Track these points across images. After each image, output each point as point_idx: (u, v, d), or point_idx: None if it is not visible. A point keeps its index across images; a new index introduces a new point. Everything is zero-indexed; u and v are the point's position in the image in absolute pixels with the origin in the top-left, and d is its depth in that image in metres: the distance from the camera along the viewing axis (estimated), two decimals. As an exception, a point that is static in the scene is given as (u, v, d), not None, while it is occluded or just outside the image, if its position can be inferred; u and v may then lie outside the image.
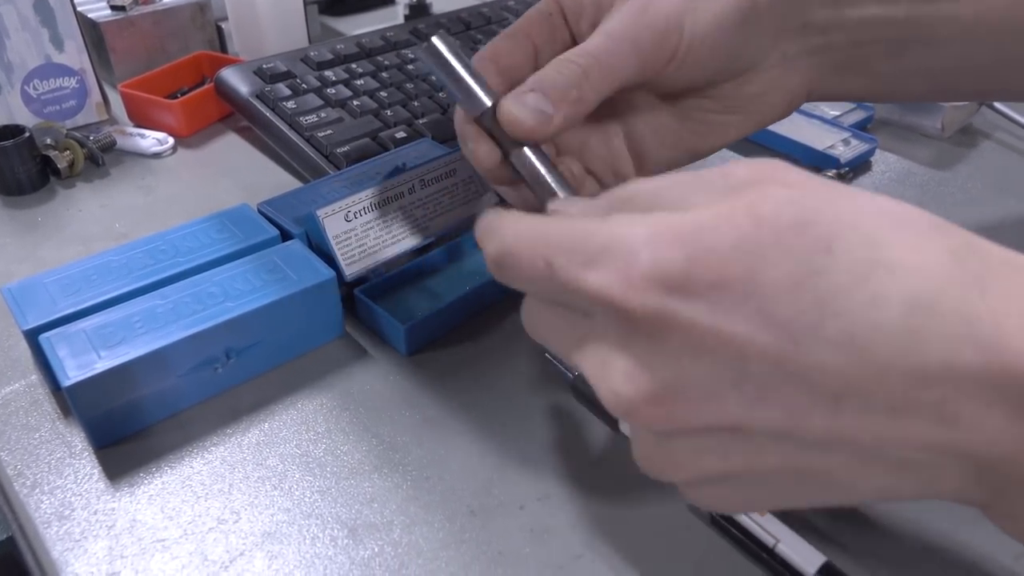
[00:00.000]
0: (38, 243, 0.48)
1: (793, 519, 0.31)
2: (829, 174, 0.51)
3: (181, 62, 0.65)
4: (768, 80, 0.36)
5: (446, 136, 0.54)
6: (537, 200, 0.32)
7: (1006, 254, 0.22)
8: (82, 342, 0.34)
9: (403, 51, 0.63)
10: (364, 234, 0.41)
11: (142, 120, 0.61)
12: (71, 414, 0.36)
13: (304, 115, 0.54)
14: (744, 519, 0.30)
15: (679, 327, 0.21)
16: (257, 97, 0.56)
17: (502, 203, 0.34)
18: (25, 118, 0.57)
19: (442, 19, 0.68)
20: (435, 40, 0.32)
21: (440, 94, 0.58)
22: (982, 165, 0.57)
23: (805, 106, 0.48)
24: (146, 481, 0.33)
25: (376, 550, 0.31)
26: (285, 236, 0.42)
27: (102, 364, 0.33)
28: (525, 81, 0.33)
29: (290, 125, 0.54)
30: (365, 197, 0.41)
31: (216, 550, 0.31)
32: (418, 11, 0.81)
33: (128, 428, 0.35)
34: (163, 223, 0.49)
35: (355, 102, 0.56)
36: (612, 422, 0.35)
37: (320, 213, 0.40)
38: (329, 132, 0.53)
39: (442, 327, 0.41)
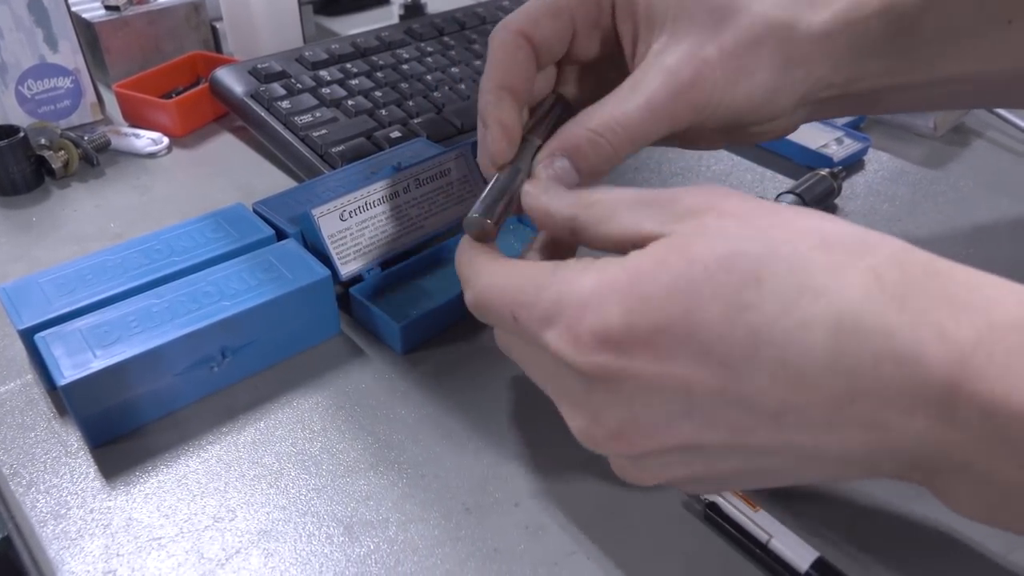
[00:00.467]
0: (33, 243, 0.48)
1: (787, 514, 0.31)
2: (823, 173, 0.51)
3: (176, 62, 0.65)
4: (782, 123, 0.37)
5: (441, 136, 0.54)
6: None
7: (930, 262, 0.24)
8: (77, 341, 0.34)
9: (398, 51, 0.63)
10: (359, 233, 0.41)
11: (137, 120, 0.61)
12: (67, 413, 0.36)
13: (299, 115, 0.54)
14: (738, 515, 0.31)
15: (627, 377, 0.24)
16: (252, 97, 0.56)
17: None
18: (19, 118, 0.57)
19: (436, 19, 0.68)
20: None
21: (435, 94, 0.58)
22: (974, 164, 0.57)
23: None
24: (142, 480, 0.33)
25: (372, 547, 0.31)
26: (280, 235, 0.42)
27: (98, 363, 0.33)
28: (557, 138, 0.33)
29: (285, 125, 0.54)
30: (360, 196, 0.42)
31: (212, 548, 0.31)
32: (413, 11, 0.81)
33: (124, 427, 0.35)
34: (158, 223, 0.49)
35: (350, 102, 0.56)
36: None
37: (315, 212, 0.40)
38: (324, 132, 0.53)
39: (437, 326, 0.41)
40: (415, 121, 0.55)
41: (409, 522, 0.32)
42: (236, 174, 0.56)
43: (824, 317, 0.22)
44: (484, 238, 0.32)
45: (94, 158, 0.55)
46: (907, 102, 0.39)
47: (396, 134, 0.53)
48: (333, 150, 0.51)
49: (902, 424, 0.22)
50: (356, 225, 0.41)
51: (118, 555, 0.30)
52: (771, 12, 0.33)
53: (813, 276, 0.23)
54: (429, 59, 0.62)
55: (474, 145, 0.44)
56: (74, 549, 0.31)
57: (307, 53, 0.60)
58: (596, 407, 0.26)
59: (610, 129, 0.32)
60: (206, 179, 0.55)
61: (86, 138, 0.56)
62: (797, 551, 0.29)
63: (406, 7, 0.81)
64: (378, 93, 0.57)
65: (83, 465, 0.34)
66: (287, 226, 0.42)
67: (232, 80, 0.58)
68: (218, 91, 0.59)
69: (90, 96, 0.60)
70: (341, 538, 0.31)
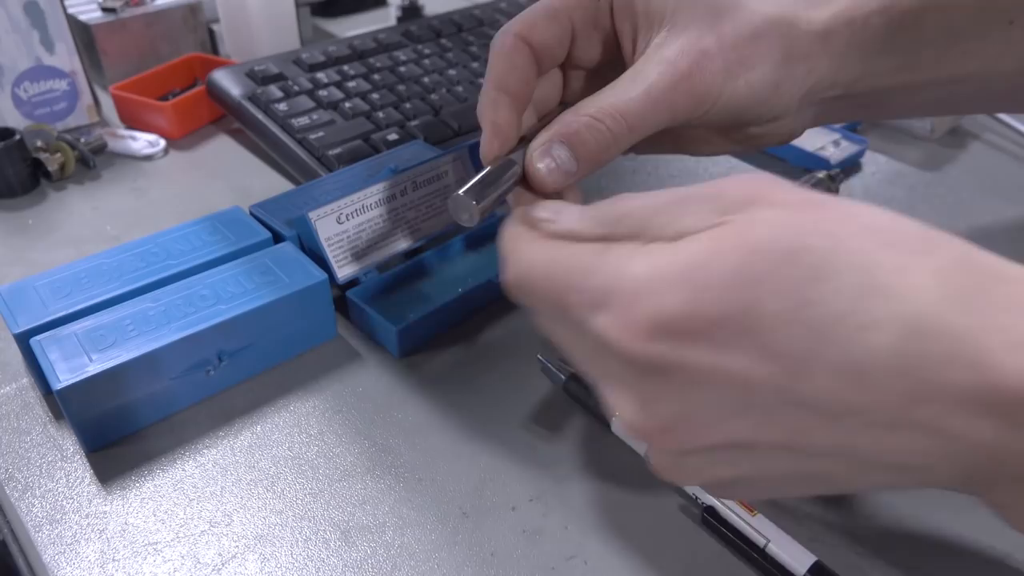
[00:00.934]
0: (28, 246, 0.48)
1: (784, 519, 0.31)
2: (820, 175, 0.51)
3: (172, 64, 0.65)
4: (786, 124, 0.36)
5: (438, 138, 0.54)
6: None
7: (996, 265, 0.23)
8: (73, 345, 0.34)
9: (395, 53, 0.63)
10: (356, 236, 0.41)
11: (133, 122, 0.61)
12: (62, 417, 0.36)
13: (296, 117, 0.54)
14: (735, 519, 0.31)
15: (682, 369, 0.23)
16: (249, 99, 0.56)
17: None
18: (15, 120, 0.57)
19: (434, 21, 0.68)
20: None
21: (432, 96, 0.58)
22: (971, 166, 0.57)
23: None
24: (138, 484, 0.33)
25: (368, 552, 0.31)
26: (277, 238, 0.42)
27: (93, 367, 0.33)
28: (555, 125, 0.32)
29: (282, 127, 0.54)
30: (357, 199, 0.41)
31: (208, 553, 0.31)
32: (410, 13, 0.81)
33: (120, 431, 0.35)
34: (155, 225, 0.49)
35: (347, 104, 0.56)
36: (604, 422, 0.35)
37: (312, 215, 0.40)
38: (321, 134, 0.53)
39: (434, 329, 0.41)
40: (412, 123, 0.55)
41: (406, 526, 0.32)
42: (233, 176, 0.56)
43: (890, 318, 0.21)
44: (468, 221, 0.31)
45: (90, 160, 0.55)
46: (911, 105, 0.38)
47: (393, 136, 0.53)
48: (330, 152, 0.51)
49: (967, 430, 0.21)
50: (353, 228, 0.41)
51: (114, 560, 0.30)
52: (771, 9, 0.33)
53: (878, 275, 0.22)
54: (427, 61, 0.62)
55: (471, 147, 0.44)
56: (70, 554, 0.31)
57: (304, 55, 0.60)
58: (646, 397, 0.24)
59: (609, 116, 0.32)
60: (203, 182, 0.55)
61: (82, 140, 0.56)
62: (794, 555, 0.29)
63: (403, 9, 0.81)
64: (375, 95, 0.57)
65: (79, 469, 0.34)
66: (284, 229, 0.42)
67: (229, 82, 0.58)
68: (215, 93, 0.59)
69: (86, 98, 0.60)
70: (337, 543, 0.31)
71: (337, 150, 0.52)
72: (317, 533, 0.31)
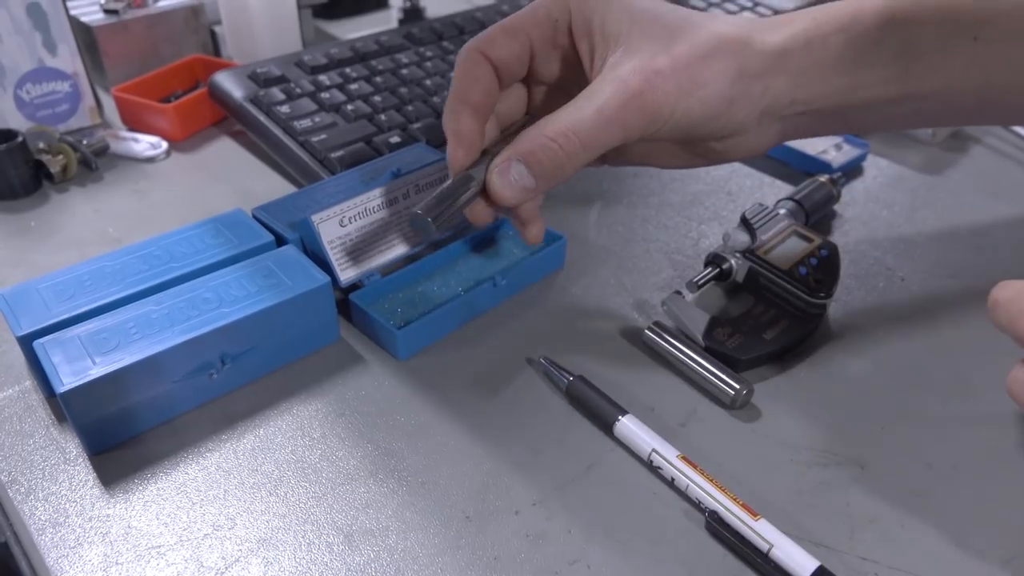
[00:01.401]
0: (31, 248, 0.48)
1: (787, 524, 0.31)
2: (822, 179, 0.51)
3: (175, 66, 0.65)
4: (747, 139, 0.37)
5: (440, 141, 0.54)
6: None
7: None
8: (76, 348, 0.34)
9: (397, 55, 0.63)
10: (359, 239, 0.41)
11: (135, 124, 0.61)
12: (65, 420, 0.36)
13: (298, 119, 0.54)
14: (739, 524, 0.31)
15: None
16: (251, 101, 0.56)
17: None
18: (18, 122, 0.57)
19: (435, 23, 0.68)
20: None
21: (434, 99, 0.58)
22: (973, 170, 0.58)
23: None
24: (141, 487, 0.33)
25: (372, 556, 0.31)
26: (280, 241, 0.42)
27: (97, 370, 0.33)
28: (514, 144, 0.34)
29: (284, 130, 0.54)
30: (360, 202, 0.41)
31: (211, 556, 0.31)
32: (412, 15, 0.81)
33: (123, 434, 0.35)
34: (157, 228, 0.49)
35: (349, 106, 0.56)
36: (606, 427, 0.35)
37: (315, 218, 0.40)
38: (323, 137, 0.53)
39: (437, 332, 0.41)
40: (414, 126, 0.55)
41: (409, 530, 0.32)
42: (235, 179, 0.56)
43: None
44: (428, 235, 0.34)
45: (93, 162, 0.55)
46: (875, 121, 0.39)
47: (395, 139, 0.53)
48: (332, 155, 0.51)
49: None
50: (356, 231, 0.41)
51: (117, 563, 0.30)
52: (726, 29, 0.34)
53: None
54: (428, 64, 0.62)
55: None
56: (73, 557, 0.30)
57: (306, 57, 0.60)
58: None
59: (563, 135, 0.33)
60: (205, 184, 0.55)
61: (85, 142, 0.56)
62: (798, 560, 0.29)
63: (405, 11, 0.81)
64: (377, 98, 0.57)
65: (82, 472, 0.34)
66: (287, 232, 0.42)
67: (231, 84, 0.58)
68: (217, 95, 0.59)
69: (89, 100, 0.60)
70: (341, 546, 0.31)
71: (339, 153, 0.52)
72: (320, 537, 0.31)
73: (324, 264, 0.40)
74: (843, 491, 0.33)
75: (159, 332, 0.35)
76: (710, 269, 0.43)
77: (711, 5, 0.75)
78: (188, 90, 0.65)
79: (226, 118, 0.62)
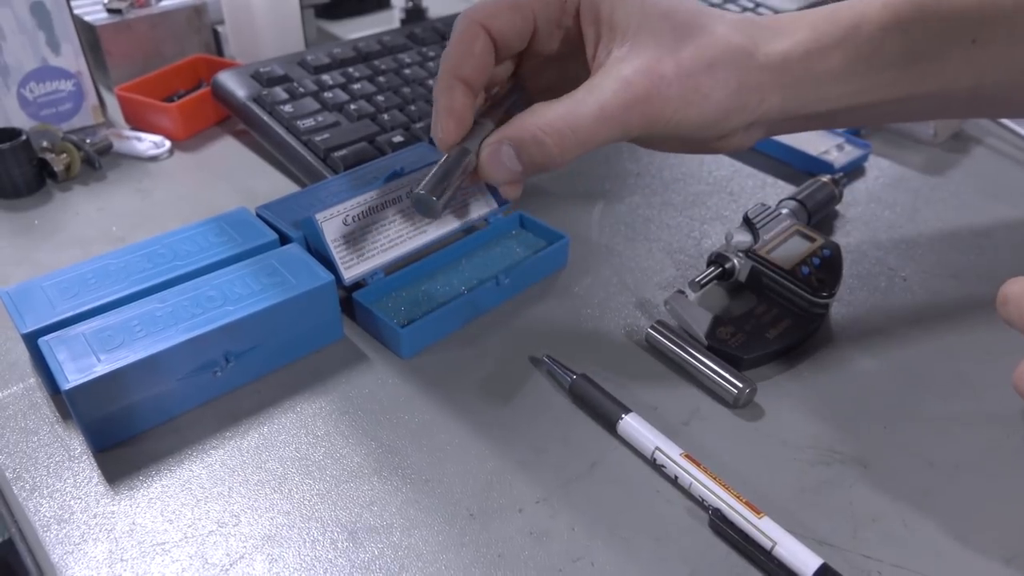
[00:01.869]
0: (35, 246, 0.48)
1: (790, 522, 0.31)
2: (824, 179, 0.51)
3: (177, 65, 0.65)
4: (735, 140, 0.37)
5: (443, 140, 0.54)
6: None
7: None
8: (81, 346, 0.34)
9: (400, 55, 0.63)
10: (362, 238, 0.42)
11: (139, 123, 0.61)
12: (70, 417, 0.36)
13: (301, 119, 0.54)
14: (742, 522, 0.31)
15: None
16: (254, 101, 0.56)
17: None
18: (21, 121, 0.57)
19: (438, 23, 0.68)
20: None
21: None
22: (974, 171, 0.58)
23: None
24: (146, 484, 0.33)
25: (376, 553, 0.31)
26: (283, 240, 0.42)
27: (101, 368, 0.33)
28: (507, 127, 0.34)
29: (287, 129, 0.54)
30: (363, 201, 0.42)
31: (216, 553, 0.31)
32: (414, 15, 0.81)
33: (127, 432, 0.35)
34: (160, 226, 0.49)
35: (352, 106, 0.56)
36: (610, 425, 0.35)
37: (319, 217, 0.40)
38: (326, 136, 0.53)
39: (440, 331, 0.41)
40: (417, 126, 0.55)
41: (413, 528, 0.32)
42: (238, 178, 0.56)
43: None
44: (432, 215, 0.34)
45: (96, 161, 0.55)
46: (864, 119, 0.39)
47: (398, 139, 0.53)
48: (335, 154, 0.51)
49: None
50: (359, 230, 0.41)
51: (122, 560, 0.30)
52: (732, 36, 0.34)
53: None
54: (431, 63, 0.62)
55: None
56: (78, 554, 0.31)
57: (309, 57, 0.61)
58: None
59: (557, 131, 0.33)
60: (208, 183, 0.55)
61: (88, 141, 0.56)
62: (801, 558, 0.29)
63: (407, 11, 0.81)
64: (380, 97, 0.57)
65: (86, 469, 0.34)
66: (290, 230, 0.42)
67: (234, 84, 0.58)
68: (220, 95, 0.59)
69: (92, 99, 0.60)
70: (345, 544, 0.31)
71: (342, 152, 0.52)
72: (325, 534, 0.31)
73: (328, 262, 0.40)
74: (846, 489, 0.33)
75: (163, 330, 0.35)
76: (713, 268, 0.43)
77: (712, 6, 0.75)
78: (191, 89, 0.65)
79: (229, 117, 0.62)
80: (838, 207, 0.52)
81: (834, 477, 0.34)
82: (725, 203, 0.53)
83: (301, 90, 0.57)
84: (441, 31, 0.67)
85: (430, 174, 0.34)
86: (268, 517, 0.32)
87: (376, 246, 0.42)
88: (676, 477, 0.33)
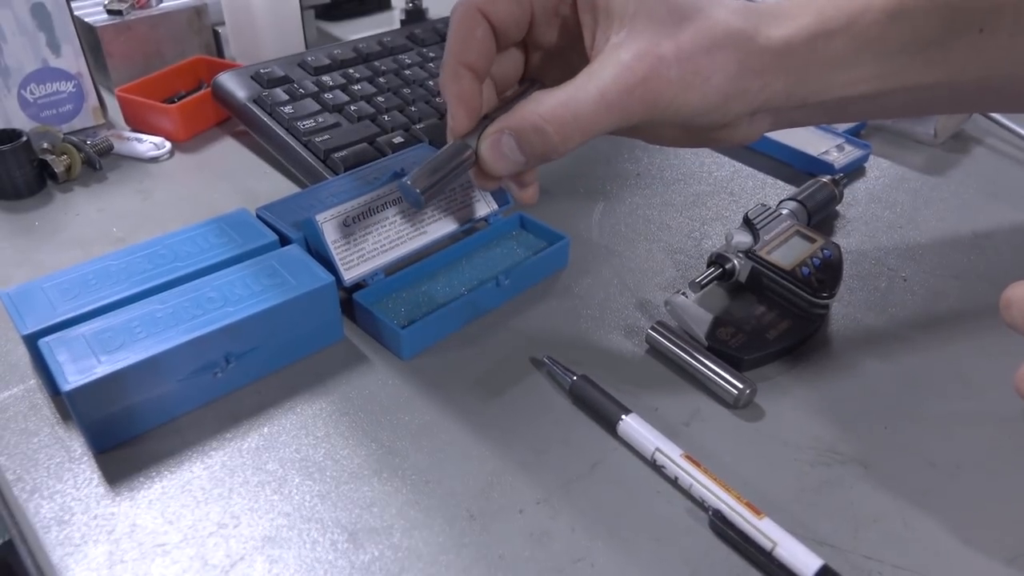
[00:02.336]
0: (35, 247, 0.48)
1: (791, 523, 0.31)
2: (824, 179, 0.51)
3: (178, 67, 0.65)
4: (740, 130, 0.37)
5: (443, 141, 0.54)
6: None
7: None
8: (82, 347, 0.34)
9: (400, 56, 0.63)
10: (362, 239, 0.42)
11: (139, 124, 0.61)
12: (70, 419, 0.36)
13: (301, 120, 0.54)
14: (742, 523, 0.31)
15: None
16: (254, 102, 0.56)
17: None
18: (22, 122, 0.57)
19: (438, 24, 0.68)
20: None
21: (437, 99, 0.58)
22: (974, 171, 0.58)
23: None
24: (146, 486, 0.33)
25: (376, 554, 0.31)
26: (284, 241, 0.42)
27: (102, 369, 0.33)
28: (508, 116, 0.33)
29: (287, 130, 0.54)
30: (363, 202, 0.42)
31: (216, 554, 0.31)
32: (414, 16, 0.81)
33: (127, 433, 0.35)
34: (161, 227, 0.49)
35: (352, 107, 0.56)
36: (610, 426, 0.35)
37: (319, 218, 0.40)
38: (326, 137, 0.53)
39: (440, 331, 0.41)
40: (417, 127, 0.55)
41: (413, 529, 0.32)
42: (238, 179, 0.56)
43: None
44: (416, 205, 0.35)
45: (96, 162, 0.56)
46: (871, 111, 0.39)
47: (399, 139, 0.53)
48: (335, 155, 0.51)
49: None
50: (359, 231, 0.41)
51: (122, 561, 0.30)
52: (732, 20, 0.34)
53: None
54: (431, 64, 0.62)
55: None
56: (78, 555, 0.31)
57: (309, 58, 0.61)
58: None
59: (558, 118, 0.32)
60: (208, 184, 0.55)
61: (88, 142, 0.56)
62: (801, 559, 0.29)
63: (407, 12, 0.81)
64: (380, 98, 0.57)
65: (87, 471, 0.34)
66: (291, 232, 0.42)
67: (234, 85, 0.58)
68: (220, 96, 0.59)
69: (92, 100, 0.60)
70: (345, 545, 0.31)
71: (342, 153, 0.52)
72: (325, 535, 0.31)
73: (328, 263, 0.40)
74: (847, 490, 0.33)
75: (164, 331, 0.35)
76: (713, 269, 0.43)
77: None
78: (191, 91, 0.65)
79: (229, 118, 0.62)
80: (838, 208, 0.52)
81: (835, 477, 0.34)
82: (725, 204, 0.53)
83: (301, 91, 0.57)
84: (441, 32, 0.67)
85: (425, 163, 0.34)
86: (268, 518, 0.32)
87: (376, 247, 0.42)
88: (676, 478, 0.33)
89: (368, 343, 0.41)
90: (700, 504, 0.32)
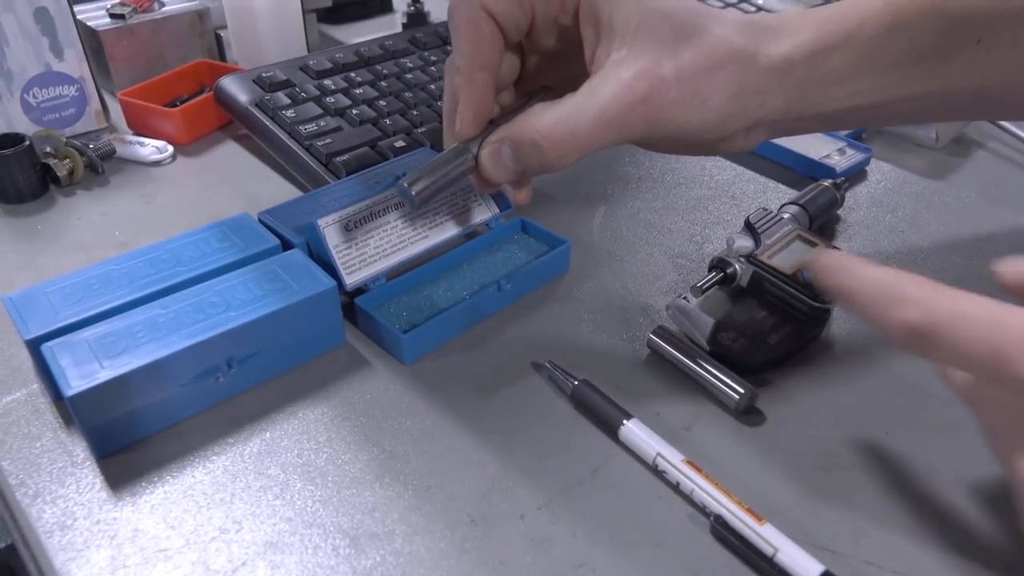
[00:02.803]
0: (38, 251, 0.49)
1: (792, 528, 0.31)
2: (826, 183, 0.51)
3: (180, 70, 0.65)
4: (736, 142, 0.37)
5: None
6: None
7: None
8: (84, 352, 0.34)
9: (402, 60, 0.63)
10: (364, 243, 0.42)
11: (141, 128, 0.61)
12: (73, 423, 0.36)
13: (303, 124, 0.54)
14: (744, 529, 0.31)
15: None
16: (256, 106, 0.57)
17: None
18: (25, 126, 0.58)
19: (440, 27, 0.68)
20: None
21: (439, 103, 0.58)
22: (976, 175, 0.58)
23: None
24: (148, 491, 0.33)
25: (378, 560, 0.31)
26: (286, 245, 0.43)
27: (104, 374, 0.33)
28: (509, 126, 0.34)
29: (289, 134, 0.54)
30: (365, 207, 0.42)
31: (218, 560, 0.31)
32: (416, 19, 0.81)
33: (130, 437, 0.35)
34: (163, 232, 0.49)
35: (354, 111, 0.56)
36: (611, 431, 0.35)
37: (321, 222, 0.40)
38: (328, 141, 0.53)
39: (442, 336, 0.41)
40: (419, 131, 0.55)
41: (415, 534, 0.32)
42: (240, 183, 0.56)
43: None
44: (411, 206, 0.36)
45: (99, 166, 0.56)
46: (865, 120, 0.39)
47: (400, 144, 0.53)
48: (337, 160, 0.52)
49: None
50: (361, 235, 0.41)
51: (124, 566, 0.30)
52: (733, 38, 0.34)
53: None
54: (433, 68, 0.63)
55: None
56: (80, 560, 0.31)
57: (311, 62, 0.61)
58: None
59: (556, 134, 0.33)
60: (211, 188, 0.55)
61: (91, 146, 0.56)
62: (803, 564, 0.29)
63: (409, 16, 0.81)
64: (382, 102, 0.57)
65: (89, 475, 0.34)
66: (292, 236, 0.43)
67: (236, 89, 0.58)
68: (223, 100, 0.59)
69: (95, 104, 0.60)
70: (347, 550, 0.31)
71: (344, 157, 0.52)
72: (327, 540, 0.31)
73: (330, 268, 0.40)
74: (848, 496, 0.33)
75: (166, 336, 0.35)
76: (714, 273, 0.43)
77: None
78: (194, 94, 0.65)
79: (231, 122, 0.62)
80: (840, 211, 0.52)
81: (836, 483, 0.34)
82: (727, 208, 0.53)
83: (303, 95, 0.57)
84: (443, 35, 0.67)
85: (424, 166, 0.35)
86: (270, 524, 0.32)
87: (378, 251, 0.42)
88: (678, 483, 0.33)
89: (370, 347, 0.41)
90: (701, 509, 0.32)
